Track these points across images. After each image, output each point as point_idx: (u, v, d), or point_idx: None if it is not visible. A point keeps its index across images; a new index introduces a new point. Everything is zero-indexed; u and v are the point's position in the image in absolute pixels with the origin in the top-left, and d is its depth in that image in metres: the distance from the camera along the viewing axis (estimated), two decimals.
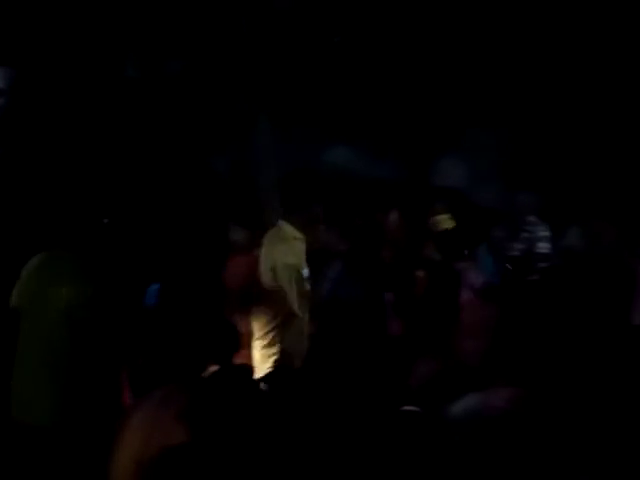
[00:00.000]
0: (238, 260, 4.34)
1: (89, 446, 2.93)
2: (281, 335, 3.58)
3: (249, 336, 3.60)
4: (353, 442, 2.36)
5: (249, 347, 3.59)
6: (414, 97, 8.00)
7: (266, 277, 3.68)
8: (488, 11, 7.43)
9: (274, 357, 3.57)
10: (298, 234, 3.78)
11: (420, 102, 8.02)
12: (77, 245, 3.26)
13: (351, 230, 4.29)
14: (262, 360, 3.58)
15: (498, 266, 5.06)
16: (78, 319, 3.06)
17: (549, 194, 6.07)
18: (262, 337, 3.64)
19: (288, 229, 3.82)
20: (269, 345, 3.61)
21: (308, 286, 3.63)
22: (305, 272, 3.65)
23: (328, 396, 2.48)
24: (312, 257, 3.87)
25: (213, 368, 2.47)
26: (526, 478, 2.06)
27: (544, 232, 5.01)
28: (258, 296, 3.64)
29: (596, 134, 7.46)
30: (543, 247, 4.93)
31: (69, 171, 5.65)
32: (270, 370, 3.34)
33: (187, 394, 2.29)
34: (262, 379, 2.80)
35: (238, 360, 2.80)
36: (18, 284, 3.35)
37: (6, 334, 3.34)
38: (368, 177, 6.98)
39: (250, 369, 2.89)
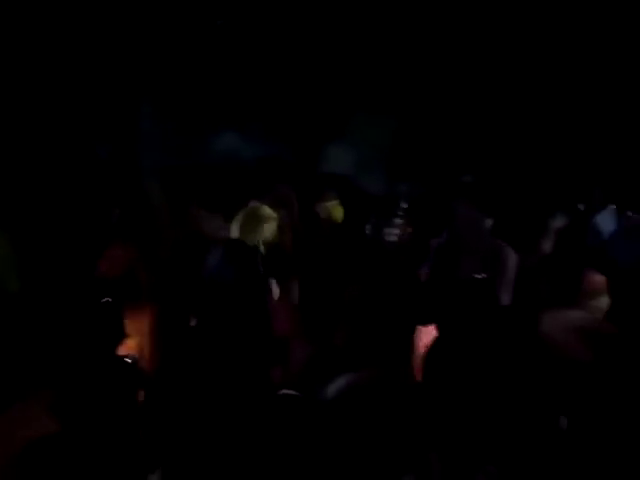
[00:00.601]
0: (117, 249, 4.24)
1: None
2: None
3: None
4: (230, 427, 2.38)
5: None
6: (302, 85, 8.05)
7: None
8: None
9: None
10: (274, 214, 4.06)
11: (308, 90, 8.08)
12: None
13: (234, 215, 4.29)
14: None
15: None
16: None
17: (428, 181, 6.28)
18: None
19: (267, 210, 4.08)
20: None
21: None
22: None
23: (205, 382, 2.47)
24: (195, 244, 3.84)
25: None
26: (397, 451, 2.14)
27: (399, 220, 5.21)
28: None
29: (476, 123, 7.77)
30: (392, 234, 5.14)
31: None
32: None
33: (55, 388, 2.23)
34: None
35: (124, 350, 2.74)
36: None
37: None
38: (256, 164, 6.97)
39: (134, 359, 2.83)
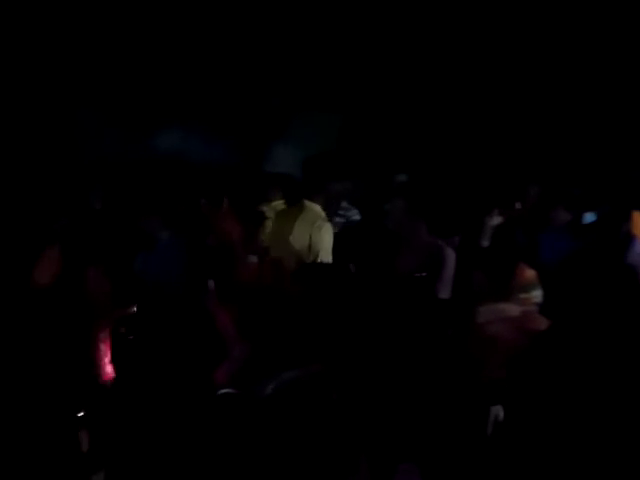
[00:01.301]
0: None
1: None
2: None
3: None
4: (171, 425, 2.37)
5: None
6: (246, 84, 8.03)
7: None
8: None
9: None
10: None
11: (252, 89, 8.05)
12: None
13: (174, 216, 4.24)
14: None
15: None
16: None
17: (370, 180, 6.33)
18: None
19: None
20: None
21: None
22: None
23: (146, 381, 2.46)
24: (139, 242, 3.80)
25: None
26: (332, 444, 2.17)
27: (356, 216, 5.23)
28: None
29: (417, 123, 7.88)
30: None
31: None
32: None
33: None
34: None
35: None
36: None
37: None
38: (199, 162, 6.92)
39: None
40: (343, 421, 2.09)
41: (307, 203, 4.18)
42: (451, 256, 3.59)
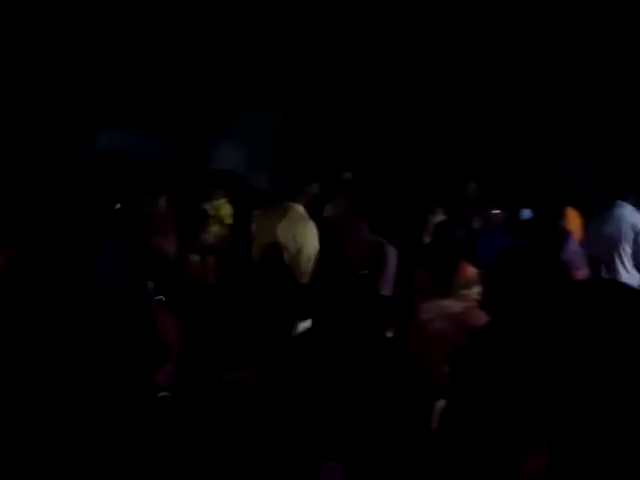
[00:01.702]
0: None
1: None
2: None
3: None
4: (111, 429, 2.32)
5: None
6: (190, 81, 7.94)
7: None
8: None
9: None
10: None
11: (196, 86, 7.98)
12: None
13: (111, 215, 4.17)
14: None
15: None
16: None
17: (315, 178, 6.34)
18: None
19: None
20: None
21: None
22: None
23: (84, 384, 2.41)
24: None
25: None
26: (278, 445, 2.16)
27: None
28: None
29: (360, 121, 7.93)
30: None
31: None
32: None
33: None
34: None
35: None
36: None
37: None
38: (141, 160, 6.81)
39: None
40: (279, 421, 2.10)
41: (291, 204, 4.25)
42: (392, 253, 3.63)
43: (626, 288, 1.91)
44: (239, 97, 8.11)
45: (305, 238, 4.03)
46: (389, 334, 3.03)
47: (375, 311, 3.06)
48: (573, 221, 4.99)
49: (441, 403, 2.70)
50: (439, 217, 4.51)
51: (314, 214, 4.59)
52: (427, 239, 4.13)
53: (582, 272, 4.30)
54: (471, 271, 2.98)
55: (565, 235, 3.60)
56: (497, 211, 4.76)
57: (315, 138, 8.03)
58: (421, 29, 7.56)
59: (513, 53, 7.54)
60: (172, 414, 2.26)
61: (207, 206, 5.68)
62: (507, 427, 2.11)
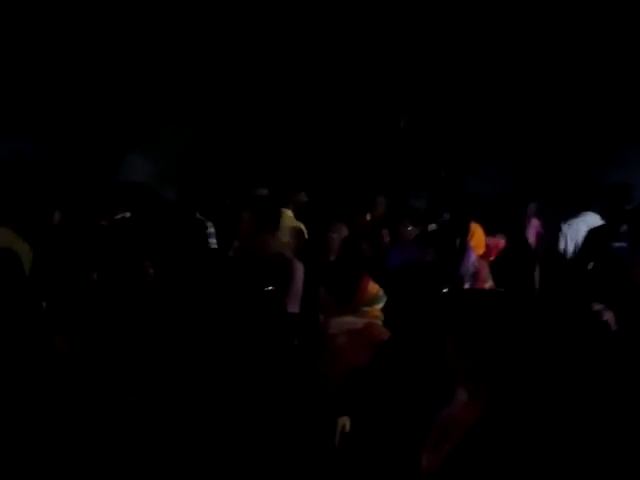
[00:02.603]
0: None
1: None
2: None
3: None
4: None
5: None
6: (100, 92, 7.77)
7: None
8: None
9: None
10: None
11: (108, 97, 7.81)
12: None
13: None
14: None
15: None
16: None
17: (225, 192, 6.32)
18: None
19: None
20: None
21: None
22: None
23: None
24: None
25: None
26: None
27: (211, 228, 5.19)
28: None
29: (270, 136, 7.96)
30: (212, 243, 5.12)
31: None
32: None
33: None
34: None
35: None
36: None
37: None
38: (48, 171, 6.59)
39: None
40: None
41: (284, 210, 4.86)
42: (299, 269, 3.64)
43: (501, 296, 2.00)
44: (149, 110, 7.99)
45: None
46: (295, 350, 3.05)
47: (280, 327, 3.07)
48: (476, 235, 5.15)
49: (343, 419, 2.74)
50: (344, 232, 4.56)
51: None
52: (332, 256, 4.15)
53: (483, 284, 4.46)
54: (374, 287, 3.04)
55: (464, 249, 3.72)
56: (410, 227, 4.85)
57: (225, 151, 8.01)
58: (310, 44, 7.65)
59: (432, 66, 7.74)
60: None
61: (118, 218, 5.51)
62: (403, 437, 2.16)
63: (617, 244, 3.77)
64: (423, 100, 7.96)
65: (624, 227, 4.91)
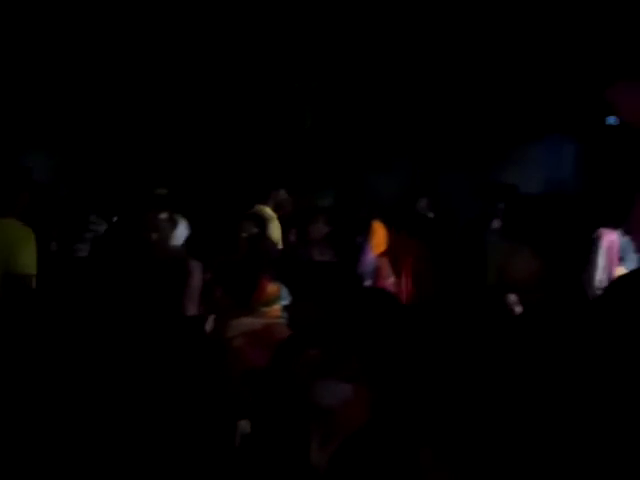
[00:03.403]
0: None
1: None
2: None
3: None
4: None
5: None
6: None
7: None
8: None
9: None
10: None
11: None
12: None
13: None
14: None
15: None
16: None
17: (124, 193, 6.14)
18: None
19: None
20: None
21: None
22: None
23: None
24: None
25: None
26: None
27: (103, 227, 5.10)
28: None
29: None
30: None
31: None
32: None
33: None
34: None
35: None
36: None
37: None
38: None
39: None
40: None
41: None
42: (197, 269, 3.57)
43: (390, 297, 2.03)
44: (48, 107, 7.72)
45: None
46: (191, 353, 3.00)
47: (177, 328, 3.01)
48: (378, 234, 5.22)
49: (244, 423, 2.72)
50: (251, 231, 4.50)
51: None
52: (236, 255, 4.09)
53: (385, 282, 4.53)
54: (273, 288, 3.02)
55: (363, 247, 3.76)
56: (319, 227, 4.87)
57: (125, 149, 7.82)
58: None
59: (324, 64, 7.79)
60: None
61: None
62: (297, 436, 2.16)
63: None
64: (328, 99, 8.01)
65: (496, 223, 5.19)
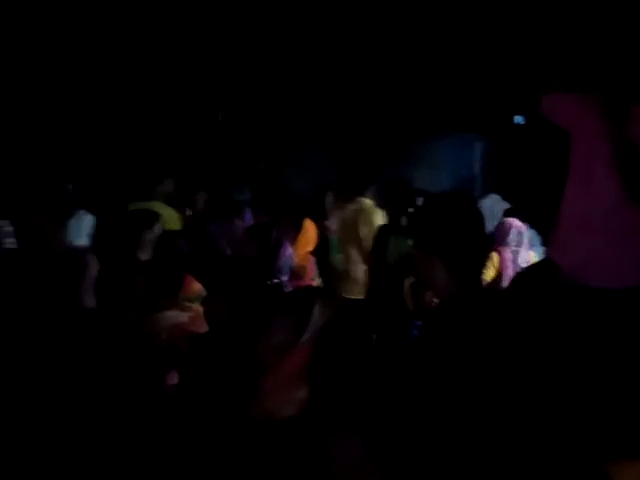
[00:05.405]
0: None
1: None
2: None
3: None
4: None
5: None
6: None
7: None
8: None
9: None
10: None
11: None
12: None
13: None
14: None
15: None
16: None
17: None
18: None
19: None
20: None
21: None
22: None
23: None
24: None
25: None
26: None
27: (8, 227, 4.95)
28: None
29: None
30: (8, 243, 4.88)
31: None
32: None
33: None
34: None
35: None
36: None
37: None
38: None
39: None
40: None
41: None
42: (93, 261, 3.48)
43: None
44: None
45: None
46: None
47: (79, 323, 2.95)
48: (309, 231, 5.27)
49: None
50: (157, 230, 4.38)
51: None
52: (144, 255, 3.94)
53: (310, 281, 4.59)
54: (196, 286, 3.03)
55: (280, 244, 3.79)
56: (239, 221, 4.86)
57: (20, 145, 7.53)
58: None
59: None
60: None
61: None
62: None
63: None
64: (240, 93, 7.98)
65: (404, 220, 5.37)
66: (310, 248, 5.10)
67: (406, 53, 7.69)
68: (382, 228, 4.17)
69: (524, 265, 4.45)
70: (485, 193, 7.04)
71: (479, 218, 2.00)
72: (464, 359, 1.77)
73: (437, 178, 7.55)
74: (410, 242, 2.18)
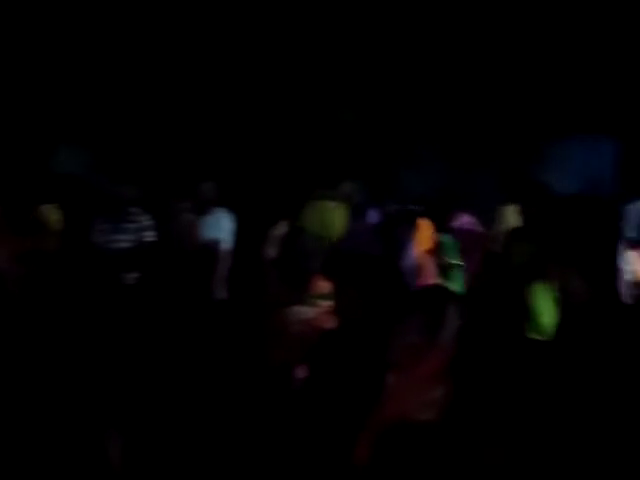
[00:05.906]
0: None
1: None
2: None
3: None
4: None
5: None
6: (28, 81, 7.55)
7: None
8: None
9: None
10: None
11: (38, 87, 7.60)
12: None
13: None
14: None
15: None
16: None
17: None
18: None
19: None
20: None
21: None
22: None
23: None
24: None
25: None
26: None
27: (148, 221, 5.18)
28: None
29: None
30: (148, 236, 5.11)
31: None
32: None
33: None
34: None
35: None
36: None
37: None
38: None
39: None
40: None
41: None
42: (227, 254, 3.61)
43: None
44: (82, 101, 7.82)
45: None
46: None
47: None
48: (424, 231, 5.28)
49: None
50: (283, 229, 4.52)
51: None
52: (272, 252, 4.05)
53: (431, 279, 4.58)
54: (324, 285, 3.10)
55: (404, 243, 3.81)
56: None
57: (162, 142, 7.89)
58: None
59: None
60: None
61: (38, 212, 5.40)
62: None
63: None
64: (370, 94, 8.02)
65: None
66: (427, 247, 5.12)
67: (537, 54, 7.51)
68: (512, 231, 4.12)
69: None
70: (615, 196, 6.72)
71: (616, 226, 1.96)
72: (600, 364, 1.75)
73: (567, 180, 7.29)
74: (537, 247, 2.15)
